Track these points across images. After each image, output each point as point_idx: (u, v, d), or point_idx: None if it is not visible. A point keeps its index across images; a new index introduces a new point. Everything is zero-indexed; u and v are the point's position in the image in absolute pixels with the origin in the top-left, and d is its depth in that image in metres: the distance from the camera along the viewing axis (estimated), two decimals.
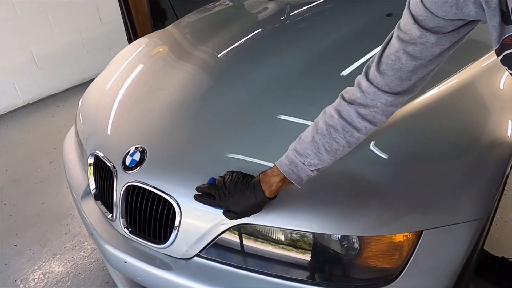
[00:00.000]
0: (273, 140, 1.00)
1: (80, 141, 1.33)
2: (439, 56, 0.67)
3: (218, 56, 1.47)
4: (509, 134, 1.00)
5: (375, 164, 0.92)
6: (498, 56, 0.63)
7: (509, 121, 1.04)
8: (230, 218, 0.86)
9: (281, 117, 1.06)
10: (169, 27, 1.91)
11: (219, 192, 0.85)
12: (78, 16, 3.11)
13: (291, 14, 1.72)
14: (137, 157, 1.03)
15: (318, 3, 1.76)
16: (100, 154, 1.12)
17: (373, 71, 0.72)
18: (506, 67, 0.65)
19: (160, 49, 1.66)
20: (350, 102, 0.75)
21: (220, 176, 0.88)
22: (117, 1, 3.35)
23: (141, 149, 1.05)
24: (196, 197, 0.88)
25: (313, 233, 0.85)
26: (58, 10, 2.98)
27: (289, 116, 1.07)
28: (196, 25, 1.92)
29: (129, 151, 1.06)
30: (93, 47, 3.29)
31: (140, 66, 1.53)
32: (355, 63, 1.26)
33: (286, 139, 0.98)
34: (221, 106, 1.15)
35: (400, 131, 0.99)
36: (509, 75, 1.19)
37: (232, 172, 0.87)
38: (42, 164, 2.31)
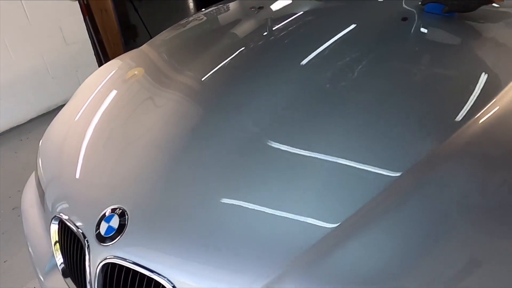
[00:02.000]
0: (290, 187, 0.78)
1: (43, 191, 1.06)
2: None
3: (202, 80, 1.23)
4: None
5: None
6: None
7: None
8: (448, 11, 1.24)
9: (291, 155, 0.84)
10: (143, 47, 1.67)
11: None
12: (39, 38, 2.81)
13: (273, 28, 1.51)
14: (115, 223, 0.78)
15: (300, 14, 1.56)
16: (66, 218, 0.87)
17: None
18: None
19: (136, 72, 1.41)
20: None
21: None
22: (83, 19, 3.09)
23: (120, 211, 0.80)
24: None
25: None
26: (15, 33, 2.67)
27: (304, 153, 0.85)
28: (173, 43, 1.69)
29: (104, 214, 0.81)
30: (59, 71, 2.99)
31: (113, 94, 1.28)
32: (370, 79, 1.06)
33: (307, 187, 0.77)
34: (216, 145, 0.91)
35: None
36: None
37: None
38: (3, 212, 2.00)
